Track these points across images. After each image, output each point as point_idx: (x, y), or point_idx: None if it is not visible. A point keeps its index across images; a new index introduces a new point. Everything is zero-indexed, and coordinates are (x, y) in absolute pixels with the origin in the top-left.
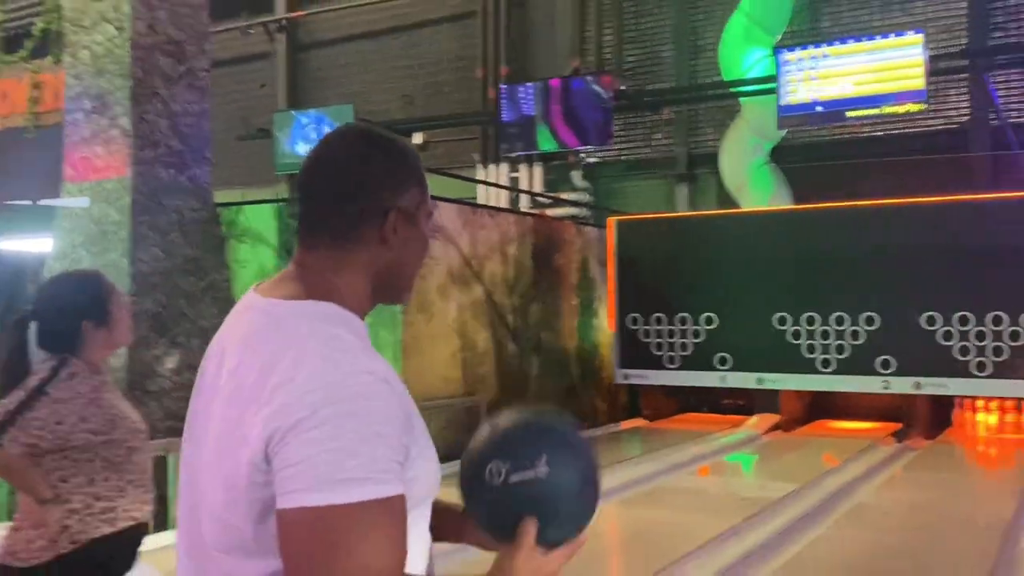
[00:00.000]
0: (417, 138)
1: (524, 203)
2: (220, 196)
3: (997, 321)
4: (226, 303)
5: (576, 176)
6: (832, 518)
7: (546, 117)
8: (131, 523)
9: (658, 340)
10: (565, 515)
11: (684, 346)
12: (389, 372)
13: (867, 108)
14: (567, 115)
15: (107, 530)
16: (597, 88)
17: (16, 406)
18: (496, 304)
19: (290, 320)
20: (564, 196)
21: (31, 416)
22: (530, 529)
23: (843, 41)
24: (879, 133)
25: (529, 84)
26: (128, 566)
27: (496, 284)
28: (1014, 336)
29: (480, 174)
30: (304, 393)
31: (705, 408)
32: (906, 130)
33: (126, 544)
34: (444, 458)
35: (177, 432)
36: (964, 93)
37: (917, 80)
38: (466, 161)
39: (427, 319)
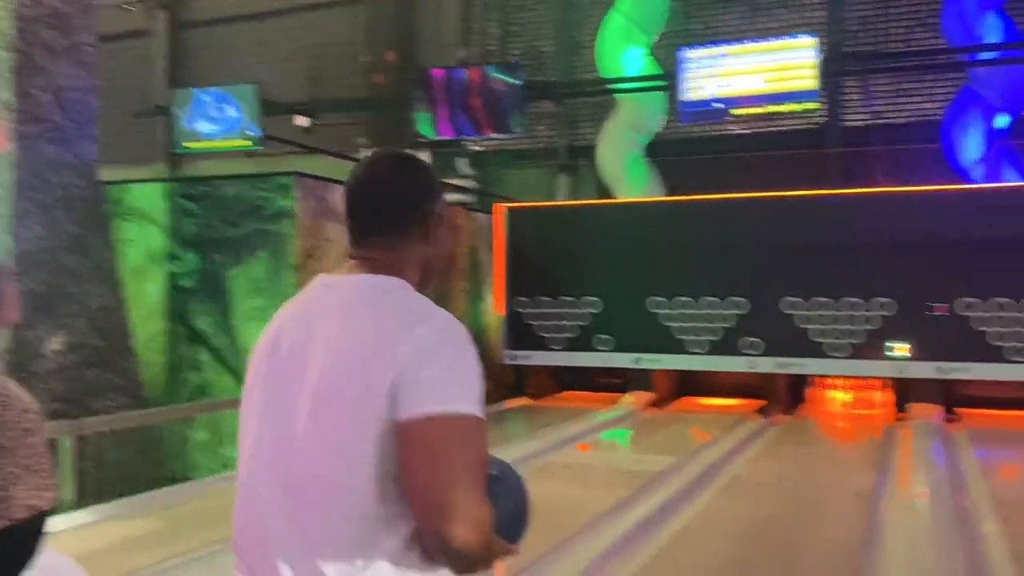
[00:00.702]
0: (302, 121)
1: None
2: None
3: (852, 307)
4: (112, 283)
5: (462, 163)
6: (712, 489)
7: (430, 106)
8: (29, 513)
9: (543, 323)
10: (503, 514)
11: (568, 328)
12: None
13: (763, 106)
14: (451, 105)
15: (2, 524)
16: (487, 79)
17: None
18: None
19: (391, 290)
20: (450, 182)
21: None
22: None
23: (741, 41)
24: (745, 131)
25: (427, 71)
26: (29, 557)
27: None
28: (867, 321)
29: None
30: (429, 333)
31: (582, 387)
32: (768, 128)
33: (26, 535)
34: None
35: (65, 415)
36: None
37: (811, 80)
38: (351, 146)
39: None
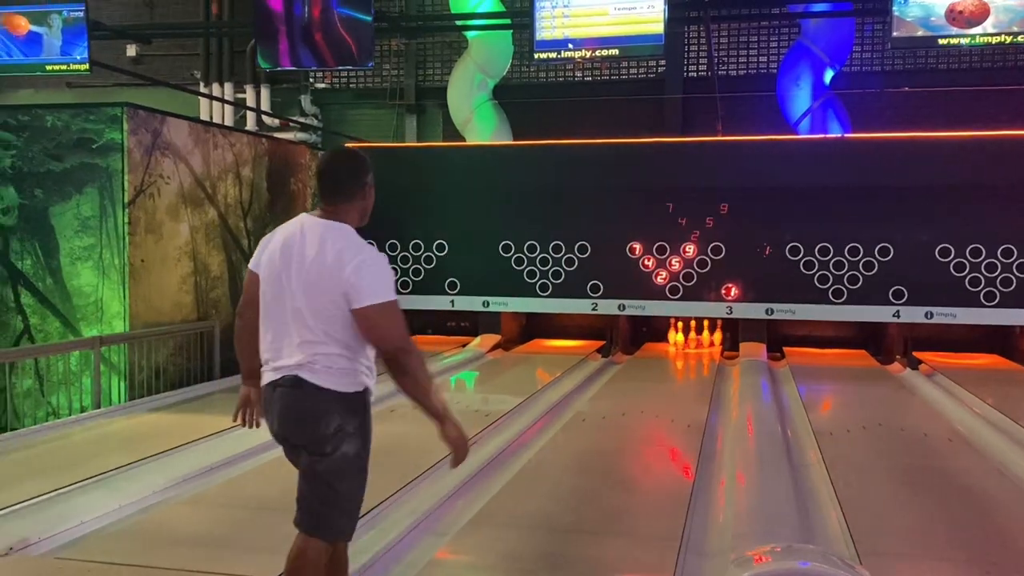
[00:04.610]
0: (130, 51)
1: (251, 125)
2: None
3: (690, 252)
4: None
5: (305, 101)
6: (557, 426)
7: (269, 37)
8: None
9: (392, 266)
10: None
11: (417, 271)
12: None
13: (612, 48)
14: (291, 38)
15: None
16: (330, 10)
17: None
18: (230, 227)
19: (346, 231)
20: (294, 120)
21: None
22: None
23: None
24: (588, 78)
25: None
26: None
27: (230, 206)
28: (701, 264)
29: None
30: (361, 260)
31: (431, 331)
32: (612, 77)
33: None
34: (175, 384)
35: None
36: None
37: (657, 25)
38: (186, 78)
39: (156, 240)
